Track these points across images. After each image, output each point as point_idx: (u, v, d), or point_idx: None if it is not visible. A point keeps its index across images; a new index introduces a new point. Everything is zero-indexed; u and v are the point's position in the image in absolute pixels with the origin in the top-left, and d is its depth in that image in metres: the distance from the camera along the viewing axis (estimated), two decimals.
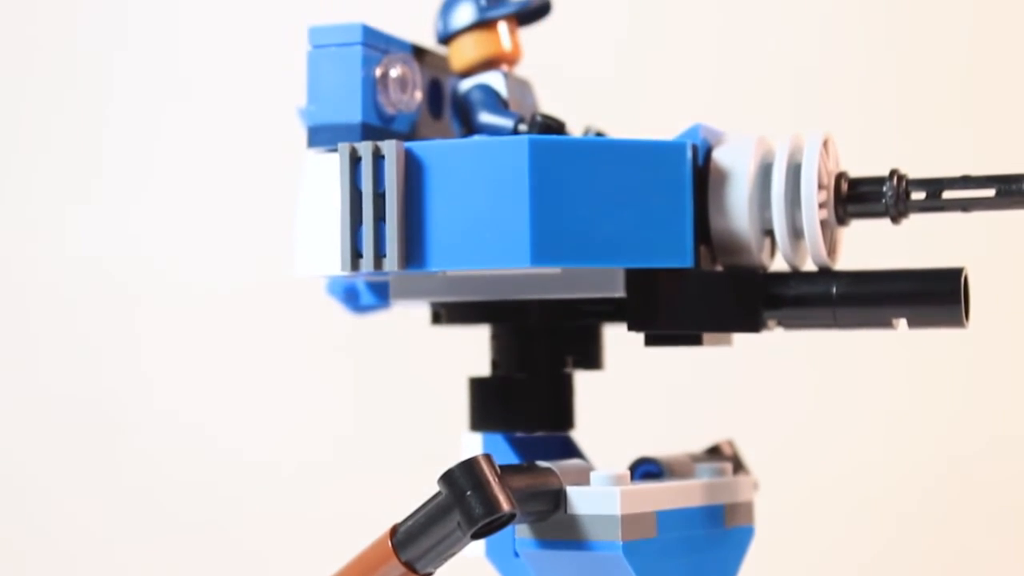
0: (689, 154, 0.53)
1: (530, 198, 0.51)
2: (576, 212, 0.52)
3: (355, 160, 0.53)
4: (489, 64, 0.58)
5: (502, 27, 0.59)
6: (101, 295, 1.08)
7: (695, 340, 0.56)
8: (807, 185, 0.53)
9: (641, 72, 1.04)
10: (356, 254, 0.53)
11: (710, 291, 0.54)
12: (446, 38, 0.59)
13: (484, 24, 0.58)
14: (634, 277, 0.54)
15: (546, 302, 0.57)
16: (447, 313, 0.59)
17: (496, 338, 0.59)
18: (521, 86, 0.59)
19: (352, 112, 0.55)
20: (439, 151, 0.52)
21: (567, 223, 0.52)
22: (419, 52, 0.58)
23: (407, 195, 0.52)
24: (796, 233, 0.54)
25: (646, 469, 0.59)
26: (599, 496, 0.53)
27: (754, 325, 0.54)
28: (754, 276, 0.54)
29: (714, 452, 0.62)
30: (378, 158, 0.52)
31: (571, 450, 0.59)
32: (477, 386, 0.59)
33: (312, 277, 0.55)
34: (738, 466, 0.62)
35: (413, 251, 0.52)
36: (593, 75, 1.03)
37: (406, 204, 0.52)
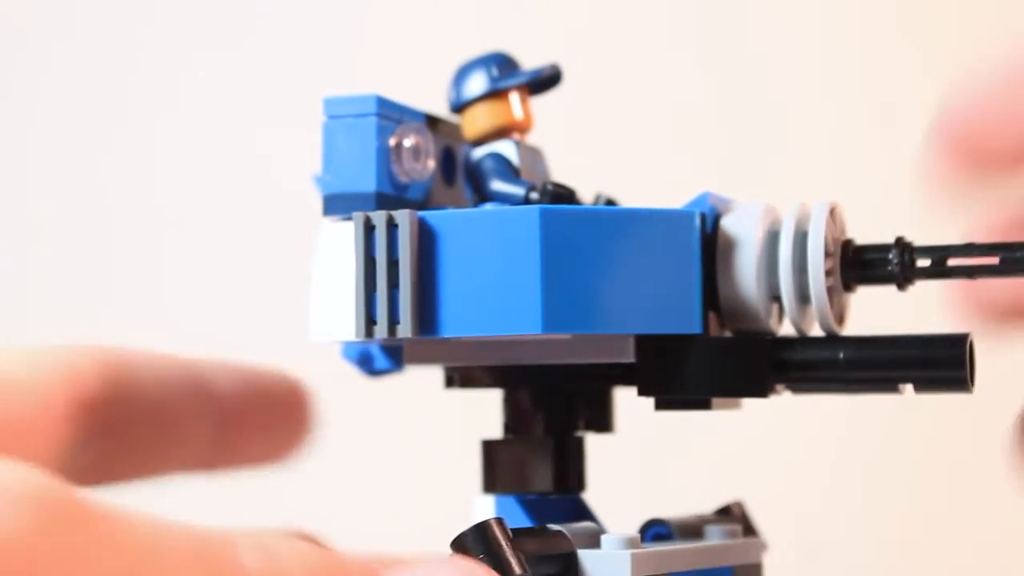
0: (697, 222, 0.54)
1: (541, 266, 0.52)
2: (586, 279, 0.53)
3: (369, 229, 0.54)
4: (501, 133, 0.59)
5: (514, 97, 0.60)
6: None
7: (704, 404, 0.57)
8: (814, 252, 0.54)
9: (652, 141, 1.05)
10: (370, 321, 0.54)
11: (718, 357, 0.54)
12: (459, 107, 0.60)
13: (496, 94, 0.59)
14: (644, 343, 0.55)
15: (557, 366, 0.58)
16: (460, 377, 0.60)
17: (508, 401, 0.60)
18: (533, 154, 0.60)
19: (366, 181, 0.56)
20: (452, 220, 0.53)
21: (577, 290, 0.52)
22: (432, 121, 0.59)
23: (420, 263, 0.53)
24: (803, 299, 0.55)
25: (656, 531, 0.59)
26: (610, 559, 0.53)
27: (761, 390, 0.55)
28: (761, 342, 0.55)
29: (724, 514, 0.63)
30: (392, 227, 0.53)
31: (583, 512, 0.60)
32: (489, 448, 0.60)
33: (326, 342, 0.56)
34: (748, 528, 0.62)
35: (426, 318, 0.53)
36: (605, 144, 1.04)
37: (420, 272, 0.53)
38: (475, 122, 0.59)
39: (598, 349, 0.56)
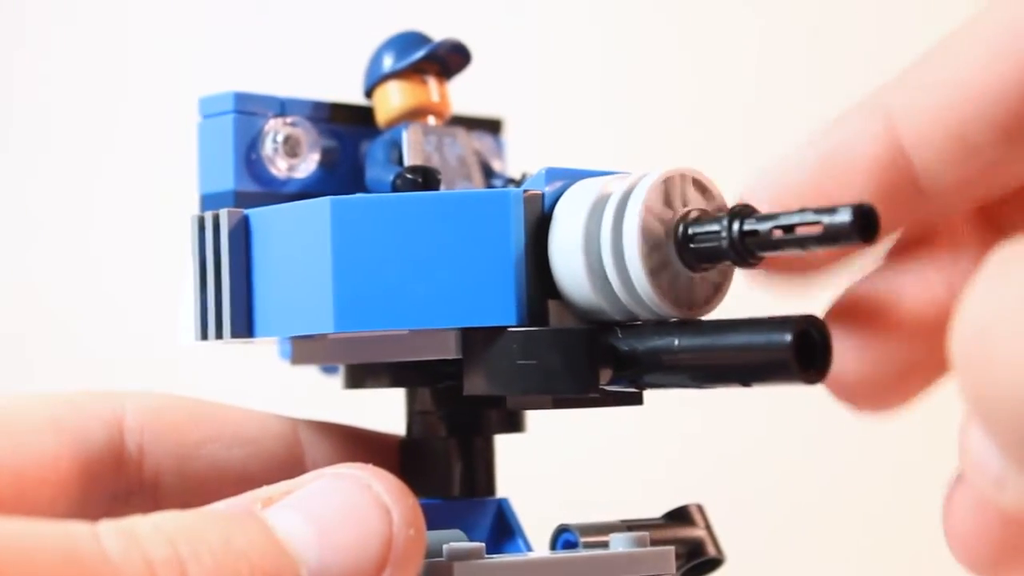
0: (515, 204, 0.49)
1: (333, 260, 0.49)
2: (387, 272, 0.49)
3: (202, 229, 0.53)
4: (413, 115, 0.57)
5: (429, 78, 0.57)
6: None
7: (597, 402, 0.51)
8: (629, 225, 0.48)
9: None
10: (205, 323, 0.53)
11: (534, 349, 0.49)
12: (369, 90, 0.58)
13: (405, 74, 0.57)
14: (468, 337, 0.50)
15: (452, 362, 0.53)
16: (349, 376, 0.57)
17: (409, 401, 0.57)
18: (444, 137, 0.57)
19: (225, 180, 0.55)
20: (265, 217, 0.52)
21: (377, 284, 0.49)
22: (350, 112, 0.57)
23: (243, 262, 0.52)
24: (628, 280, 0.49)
25: (566, 538, 0.55)
26: (434, 569, 0.50)
27: (587, 385, 0.49)
28: (581, 331, 0.49)
29: (675, 516, 0.57)
30: (217, 227, 0.52)
31: (504, 517, 0.56)
32: (401, 450, 0.57)
33: (190, 347, 0.55)
34: (709, 531, 0.57)
35: (248, 319, 0.52)
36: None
37: (244, 271, 0.52)
38: (386, 105, 0.57)
39: (425, 345, 0.52)
